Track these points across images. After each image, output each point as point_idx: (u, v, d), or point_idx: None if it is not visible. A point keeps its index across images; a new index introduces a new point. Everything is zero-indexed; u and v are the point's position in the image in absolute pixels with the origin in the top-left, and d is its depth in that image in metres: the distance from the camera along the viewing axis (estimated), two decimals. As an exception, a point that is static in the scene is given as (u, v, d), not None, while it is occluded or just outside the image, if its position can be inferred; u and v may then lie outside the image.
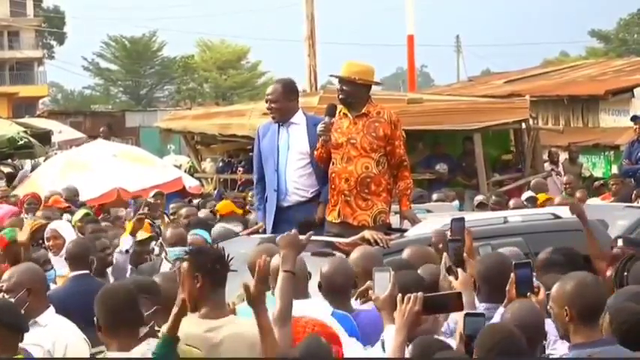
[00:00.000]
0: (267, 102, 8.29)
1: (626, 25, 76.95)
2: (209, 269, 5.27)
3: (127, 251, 8.71)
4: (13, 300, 6.03)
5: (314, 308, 5.63)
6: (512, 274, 5.33)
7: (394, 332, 4.72)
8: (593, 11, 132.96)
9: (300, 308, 5.50)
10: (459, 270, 5.24)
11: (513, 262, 5.46)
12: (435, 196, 13.61)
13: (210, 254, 5.39)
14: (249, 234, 8.58)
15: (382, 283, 5.00)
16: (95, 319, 5.00)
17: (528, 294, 5.28)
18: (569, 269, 5.71)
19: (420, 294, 4.71)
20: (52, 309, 6.22)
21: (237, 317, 5.44)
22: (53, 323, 6.11)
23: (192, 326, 5.17)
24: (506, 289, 5.35)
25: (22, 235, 8.02)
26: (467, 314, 4.86)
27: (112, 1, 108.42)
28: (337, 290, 5.96)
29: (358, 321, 5.72)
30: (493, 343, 4.62)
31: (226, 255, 5.40)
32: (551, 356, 5.12)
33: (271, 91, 8.23)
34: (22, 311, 6.00)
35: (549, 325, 5.24)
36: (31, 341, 5.82)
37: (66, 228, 9.75)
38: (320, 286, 6.10)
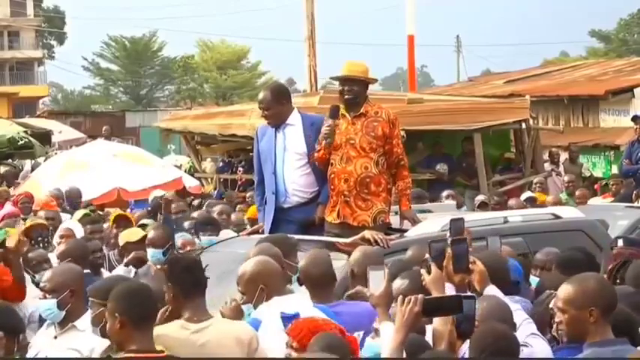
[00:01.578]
0: (260, 109, 8.30)
1: (627, 26, 76.91)
2: (177, 278, 5.47)
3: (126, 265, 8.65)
4: (56, 300, 6.01)
5: (296, 303, 5.68)
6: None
7: (393, 332, 4.73)
8: (594, 11, 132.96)
9: (283, 304, 5.62)
10: (433, 267, 5.21)
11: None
12: (445, 193, 13.62)
13: (179, 264, 5.56)
14: (248, 234, 8.58)
15: (377, 280, 5.06)
16: (116, 315, 4.93)
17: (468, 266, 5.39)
18: (588, 270, 5.74)
19: (420, 296, 4.73)
20: (89, 312, 6.10)
21: (221, 319, 5.61)
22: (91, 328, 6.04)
23: (177, 331, 5.35)
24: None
25: (11, 242, 7.87)
26: (465, 297, 4.90)
27: (112, 1, 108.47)
28: (315, 283, 6.06)
29: (338, 311, 5.78)
30: (486, 344, 4.65)
31: (199, 263, 5.54)
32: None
33: (262, 99, 8.25)
34: (64, 312, 6.00)
35: (517, 311, 5.35)
36: (69, 346, 5.82)
37: (78, 228, 9.81)
38: (299, 281, 6.17)
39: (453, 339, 4.90)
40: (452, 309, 4.77)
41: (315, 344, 4.88)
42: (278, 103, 8.17)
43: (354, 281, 6.21)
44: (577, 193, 14.30)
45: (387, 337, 4.87)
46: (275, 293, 5.80)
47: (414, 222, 7.92)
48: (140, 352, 4.87)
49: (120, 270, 8.47)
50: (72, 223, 10.50)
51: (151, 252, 8.09)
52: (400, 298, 4.76)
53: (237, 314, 5.79)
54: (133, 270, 8.67)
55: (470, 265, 5.40)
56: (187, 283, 5.47)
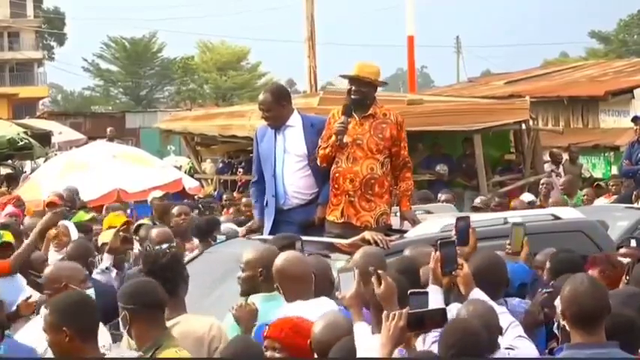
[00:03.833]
0: (261, 111, 8.27)
1: (626, 26, 76.94)
2: (156, 276, 5.62)
3: (107, 268, 8.66)
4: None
5: (320, 308, 5.67)
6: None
7: (380, 347, 4.75)
8: (593, 12, 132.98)
9: (307, 309, 5.61)
10: (385, 279, 5.05)
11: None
12: (443, 197, 13.64)
13: (158, 261, 5.75)
14: (246, 233, 8.49)
15: (347, 282, 5.08)
16: (64, 328, 4.83)
17: (453, 272, 5.43)
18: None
19: (404, 310, 4.75)
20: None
21: (190, 316, 5.71)
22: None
23: None
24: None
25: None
26: (411, 292, 4.91)
27: (112, 1, 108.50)
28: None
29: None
30: (455, 340, 4.71)
31: (176, 260, 5.67)
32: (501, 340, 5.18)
33: (262, 101, 8.20)
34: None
35: (503, 314, 5.36)
36: None
37: (73, 229, 9.82)
38: None
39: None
40: (436, 321, 4.80)
41: (226, 348, 5.02)
42: (278, 105, 8.15)
43: None
44: (585, 191, 14.54)
45: (362, 337, 4.88)
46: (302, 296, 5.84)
47: (414, 222, 7.92)
48: None
49: (96, 276, 8.44)
50: (69, 222, 10.52)
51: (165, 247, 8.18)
52: (385, 313, 4.78)
53: (252, 317, 5.81)
54: (114, 271, 8.68)
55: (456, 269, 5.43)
56: (156, 279, 5.57)
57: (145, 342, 5.14)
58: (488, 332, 4.97)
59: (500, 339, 5.16)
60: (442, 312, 4.78)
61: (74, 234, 9.91)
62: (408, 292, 4.95)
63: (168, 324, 5.47)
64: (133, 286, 5.41)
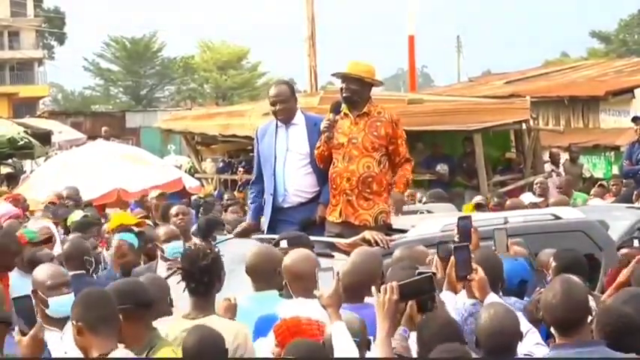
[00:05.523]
0: (274, 104, 8.12)
1: (627, 26, 76.97)
2: (186, 276, 5.63)
3: None
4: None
5: (318, 308, 5.67)
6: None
7: (378, 323, 4.76)
8: (594, 12, 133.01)
9: (306, 307, 5.57)
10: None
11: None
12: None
13: (183, 264, 5.69)
14: (239, 235, 8.44)
15: (326, 281, 5.07)
16: (73, 322, 4.83)
17: (468, 276, 5.47)
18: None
19: (394, 283, 4.77)
20: None
21: (217, 317, 5.64)
22: None
23: (174, 326, 5.47)
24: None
25: None
26: (418, 273, 5.02)
27: (113, 1, 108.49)
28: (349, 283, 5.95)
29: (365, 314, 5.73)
30: (432, 333, 4.75)
31: (211, 262, 5.62)
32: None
33: (278, 92, 8.11)
34: None
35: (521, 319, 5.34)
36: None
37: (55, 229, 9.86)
38: None
39: (413, 312, 4.97)
40: (426, 289, 4.87)
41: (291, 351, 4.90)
42: (294, 99, 8.17)
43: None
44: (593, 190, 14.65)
45: (340, 338, 4.86)
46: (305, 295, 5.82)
47: (400, 204, 7.91)
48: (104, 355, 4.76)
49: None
50: (50, 223, 10.56)
51: (173, 244, 8.18)
52: (374, 288, 4.82)
53: (230, 313, 5.81)
54: None
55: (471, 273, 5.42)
56: (190, 283, 5.57)
57: (136, 342, 5.08)
58: (509, 336, 4.95)
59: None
60: (430, 278, 4.82)
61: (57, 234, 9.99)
62: (416, 272, 5.03)
63: (191, 324, 5.40)
64: (122, 286, 5.39)
